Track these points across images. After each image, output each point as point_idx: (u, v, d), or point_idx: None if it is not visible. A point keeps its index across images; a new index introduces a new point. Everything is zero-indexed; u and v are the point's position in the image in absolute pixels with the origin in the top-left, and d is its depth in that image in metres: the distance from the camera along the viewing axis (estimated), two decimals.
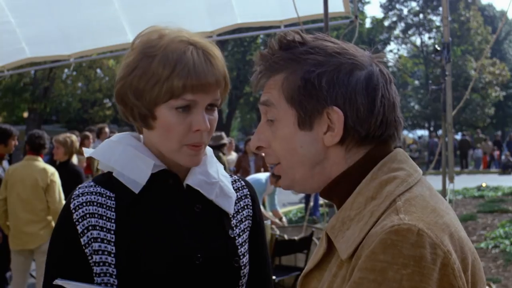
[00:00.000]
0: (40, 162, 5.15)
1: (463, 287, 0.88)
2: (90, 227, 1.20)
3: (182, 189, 1.28)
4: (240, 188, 1.42)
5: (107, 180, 1.27)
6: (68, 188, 5.25)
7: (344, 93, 0.98)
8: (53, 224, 5.07)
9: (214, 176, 1.32)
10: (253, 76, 1.06)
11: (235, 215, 1.36)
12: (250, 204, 1.42)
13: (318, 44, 1.02)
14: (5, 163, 6.02)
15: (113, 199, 1.24)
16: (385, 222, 0.90)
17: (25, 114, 24.39)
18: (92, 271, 1.20)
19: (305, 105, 0.99)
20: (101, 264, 1.20)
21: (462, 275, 0.89)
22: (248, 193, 1.43)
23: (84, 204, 1.21)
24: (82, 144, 8.05)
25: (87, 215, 1.20)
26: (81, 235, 1.19)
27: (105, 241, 1.20)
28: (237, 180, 1.43)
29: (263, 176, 7.38)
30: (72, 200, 1.23)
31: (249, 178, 7.58)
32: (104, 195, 1.24)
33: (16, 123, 23.53)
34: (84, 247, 1.19)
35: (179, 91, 1.19)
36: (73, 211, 1.21)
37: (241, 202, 1.39)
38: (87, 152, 1.33)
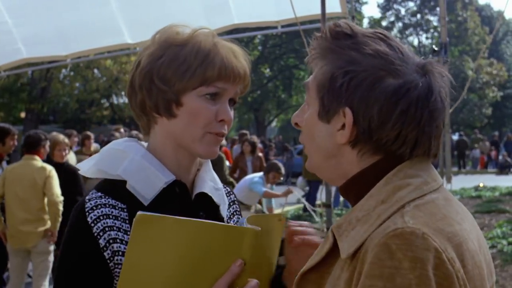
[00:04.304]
0: (38, 161, 5.13)
1: None
2: (111, 240, 1.17)
3: (189, 198, 1.27)
4: (228, 194, 1.43)
5: (114, 190, 1.22)
6: (64, 187, 5.25)
7: (362, 98, 0.95)
8: (49, 222, 5.06)
9: (219, 182, 1.34)
10: (307, 57, 1.06)
11: (228, 220, 1.38)
12: (238, 210, 1.45)
13: (363, 41, 0.98)
14: (4, 164, 5.98)
15: (125, 210, 1.20)
16: (389, 224, 0.89)
17: (23, 115, 24.38)
18: (114, 284, 1.17)
19: (326, 99, 0.99)
20: None
21: (467, 284, 0.88)
22: (235, 199, 1.46)
23: (102, 218, 1.17)
24: (83, 144, 8.03)
25: (106, 228, 1.17)
26: (104, 248, 1.16)
27: None
28: (224, 186, 1.44)
29: (257, 175, 7.56)
30: (87, 213, 1.18)
31: (244, 179, 7.63)
32: (116, 207, 1.20)
33: (14, 123, 23.47)
34: (108, 261, 1.16)
35: (213, 78, 1.19)
36: (92, 224, 1.16)
37: (231, 208, 1.41)
38: (84, 170, 1.27)
